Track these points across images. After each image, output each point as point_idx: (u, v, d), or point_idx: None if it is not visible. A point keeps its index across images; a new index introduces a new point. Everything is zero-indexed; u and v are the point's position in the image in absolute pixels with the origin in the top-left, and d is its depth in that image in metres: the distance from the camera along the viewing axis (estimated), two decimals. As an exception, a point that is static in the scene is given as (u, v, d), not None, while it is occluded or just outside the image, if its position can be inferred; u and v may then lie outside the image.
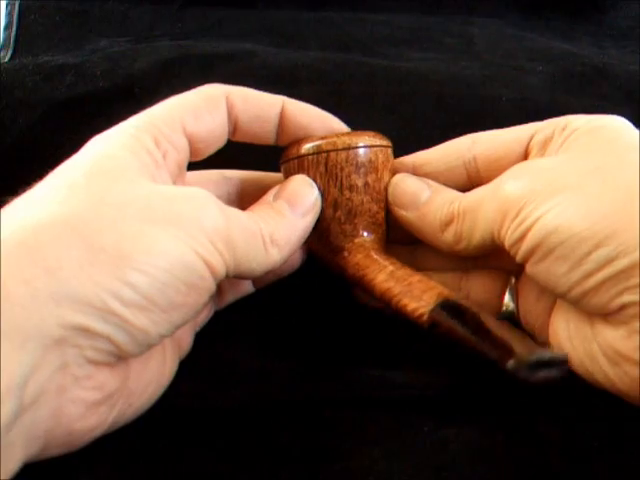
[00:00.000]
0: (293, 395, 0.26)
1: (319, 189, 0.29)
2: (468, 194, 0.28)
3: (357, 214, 0.29)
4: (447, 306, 0.26)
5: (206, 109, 0.27)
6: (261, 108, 0.28)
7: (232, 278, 0.25)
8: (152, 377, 0.25)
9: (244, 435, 0.25)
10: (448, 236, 0.28)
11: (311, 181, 0.29)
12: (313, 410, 0.26)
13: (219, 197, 0.25)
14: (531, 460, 0.23)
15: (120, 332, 0.21)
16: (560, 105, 0.38)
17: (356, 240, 0.30)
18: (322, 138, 0.29)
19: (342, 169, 0.29)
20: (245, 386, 0.27)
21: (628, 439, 0.24)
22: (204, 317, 0.29)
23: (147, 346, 0.22)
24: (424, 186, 0.29)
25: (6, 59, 0.43)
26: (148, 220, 0.22)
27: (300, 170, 0.29)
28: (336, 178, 0.29)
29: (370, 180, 0.29)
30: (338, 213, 0.29)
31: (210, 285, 0.23)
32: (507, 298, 0.29)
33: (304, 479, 0.24)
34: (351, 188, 0.29)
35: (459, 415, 0.26)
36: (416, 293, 0.27)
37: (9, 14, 0.44)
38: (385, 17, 0.47)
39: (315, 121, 0.29)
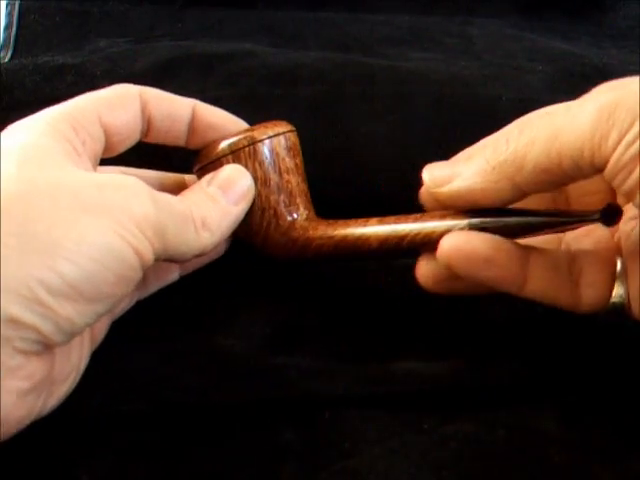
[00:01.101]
0: (291, 391, 0.26)
1: (259, 179, 0.30)
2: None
3: (297, 194, 0.31)
4: (481, 213, 0.26)
5: (120, 103, 0.27)
6: (174, 107, 0.29)
7: (158, 264, 0.26)
8: (73, 366, 0.25)
9: (244, 434, 0.25)
10: (507, 167, 0.24)
11: (245, 170, 0.29)
12: (313, 410, 0.26)
13: None
14: (532, 456, 0.23)
15: (47, 322, 0.21)
16: (560, 105, 0.38)
17: (301, 219, 0.31)
18: (247, 131, 0.30)
19: (277, 154, 0.30)
20: (243, 381, 0.27)
21: (629, 434, 0.24)
22: (124, 306, 0.29)
23: (72, 335, 0.23)
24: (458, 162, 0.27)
25: (6, 59, 0.43)
26: (80, 208, 0.22)
27: (250, 157, 0.29)
28: (274, 164, 0.30)
29: (297, 161, 0.31)
30: (282, 197, 0.30)
31: (137, 275, 0.24)
32: (619, 284, 0.27)
33: (304, 479, 0.24)
34: (288, 171, 0.30)
35: (459, 410, 0.26)
36: (433, 223, 0.27)
37: (9, 14, 0.44)
38: (385, 17, 0.47)
39: (226, 122, 0.30)
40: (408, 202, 0.36)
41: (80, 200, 0.22)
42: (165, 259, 0.25)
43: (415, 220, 0.28)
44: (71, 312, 0.22)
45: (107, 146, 0.27)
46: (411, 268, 0.34)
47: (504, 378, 0.26)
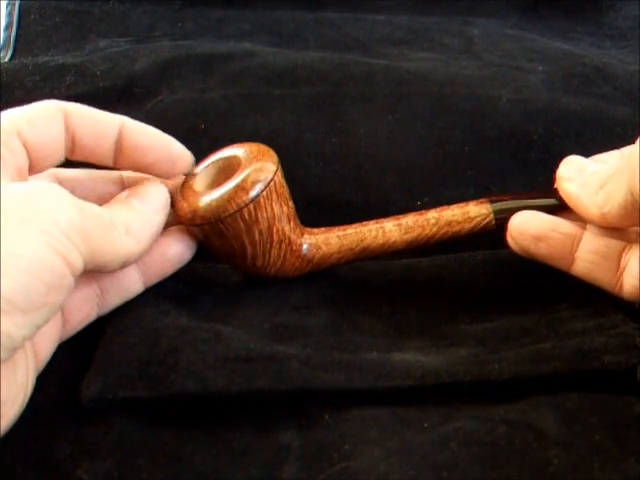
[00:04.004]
0: (291, 380, 0.26)
1: (276, 215, 0.29)
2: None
3: (296, 216, 0.31)
4: (497, 201, 0.31)
5: (41, 118, 0.27)
6: (98, 125, 0.28)
7: (117, 278, 0.27)
8: (21, 385, 0.24)
9: (244, 435, 0.25)
10: (599, 198, 0.28)
11: (159, 181, 0.29)
12: (313, 411, 0.26)
13: None
14: (532, 458, 0.23)
15: None
16: (560, 105, 0.38)
17: (307, 237, 0.31)
18: (258, 167, 0.29)
19: (282, 185, 0.30)
20: (243, 366, 0.26)
21: (629, 434, 0.24)
22: (78, 324, 0.28)
23: (12, 350, 0.22)
24: (593, 162, 0.31)
25: (6, 59, 0.43)
26: (4, 219, 0.22)
27: (268, 199, 0.29)
28: (283, 195, 0.30)
29: None
30: (291, 224, 0.31)
31: (69, 282, 0.23)
32: None
33: (304, 479, 0.24)
34: (289, 198, 0.31)
35: (459, 407, 0.26)
36: (456, 218, 0.31)
37: (9, 14, 0.44)
38: (385, 17, 0.47)
39: (155, 142, 0.29)
40: (408, 201, 0.36)
41: (4, 211, 0.22)
42: (93, 268, 0.25)
43: (437, 221, 0.31)
44: (9, 326, 0.21)
45: (31, 162, 0.27)
46: (411, 268, 0.34)
47: (504, 373, 0.26)
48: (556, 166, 0.32)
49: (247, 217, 0.29)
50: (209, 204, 0.29)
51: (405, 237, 0.31)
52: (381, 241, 0.31)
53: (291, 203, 0.31)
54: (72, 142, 0.28)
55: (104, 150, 0.29)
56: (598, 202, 0.28)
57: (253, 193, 0.28)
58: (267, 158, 0.30)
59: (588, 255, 0.30)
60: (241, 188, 0.28)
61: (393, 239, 0.31)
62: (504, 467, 0.23)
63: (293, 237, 0.31)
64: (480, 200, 0.32)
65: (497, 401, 0.26)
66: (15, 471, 0.24)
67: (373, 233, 0.31)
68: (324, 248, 0.31)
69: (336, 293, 0.32)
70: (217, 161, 0.31)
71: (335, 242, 0.31)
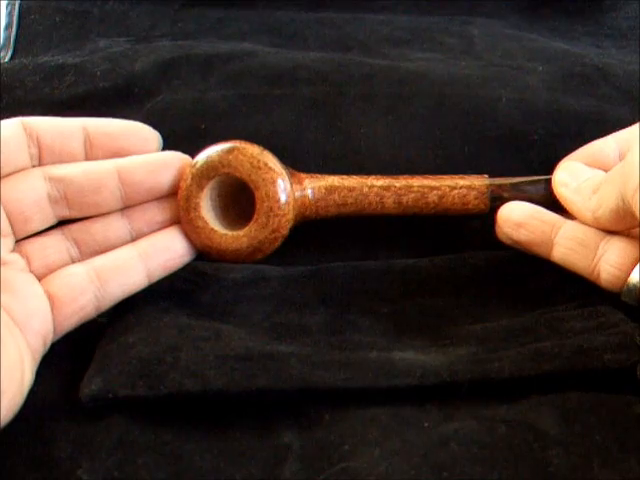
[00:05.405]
0: (291, 379, 0.26)
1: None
2: None
3: (291, 174, 0.33)
4: (497, 193, 0.33)
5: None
6: (60, 125, 0.30)
7: (110, 266, 0.29)
8: (13, 369, 0.24)
9: (244, 435, 0.25)
10: (592, 201, 0.30)
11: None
12: (313, 411, 0.26)
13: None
14: (532, 458, 0.23)
15: None
16: (560, 105, 0.38)
17: (308, 180, 0.33)
18: (275, 225, 0.31)
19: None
20: (243, 364, 0.26)
21: (629, 435, 0.24)
22: (70, 316, 0.28)
23: None
24: (589, 169, 0.32)
25: (6, 59, 0.43)
26: None
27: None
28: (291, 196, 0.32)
29: (274, 161, 0.33)
30: (293, 187, 0.32)
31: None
32: (636, 271, 0.29)
33: (304, 479, 0.24)
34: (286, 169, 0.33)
35: (459, 406, 0.26)
36: (455, 207, 0.33)
37: (9, 14, 0.44)
38: (385, 17, 0.47)
39: (122, 126, 0.31)
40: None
41: None
42: None
43: (435, 205, 0.33)
44: None
45: None
46: (411, 268, 0.34)
47: (505, 371, 0.26)
48: (556, 166, 0.32)
49: (261, 258, 0.32)
50: (224, 252, 0.31)
51: (402, 213, 0.33)
52: (379, 213, 0.33)
53: (287, 177, 0.32)
54: (38, 146, 0.29)
55: (72, 149, 0.30)
56: (591, 207, 0.30)
57: (269, 252, 0.31)
58: (274, 194, 0.31)
59: (566, 241, 0.31)
60: (258, 249, 0.31)
61: (390, 213, 0.33)
62: (504, 467, 0.23)
63: (297, 214, 0.32)
64: (480, 189, 0.33)
65: (497, 401, 0.26)
66: (15, 471, 0.24)
67: (373, 206, 0.33)
68: (323, 214, 0.33)
69: (336, 292, 0.32)
70: (221, 175, 0.32)
71: (334, 210, 0.33)
